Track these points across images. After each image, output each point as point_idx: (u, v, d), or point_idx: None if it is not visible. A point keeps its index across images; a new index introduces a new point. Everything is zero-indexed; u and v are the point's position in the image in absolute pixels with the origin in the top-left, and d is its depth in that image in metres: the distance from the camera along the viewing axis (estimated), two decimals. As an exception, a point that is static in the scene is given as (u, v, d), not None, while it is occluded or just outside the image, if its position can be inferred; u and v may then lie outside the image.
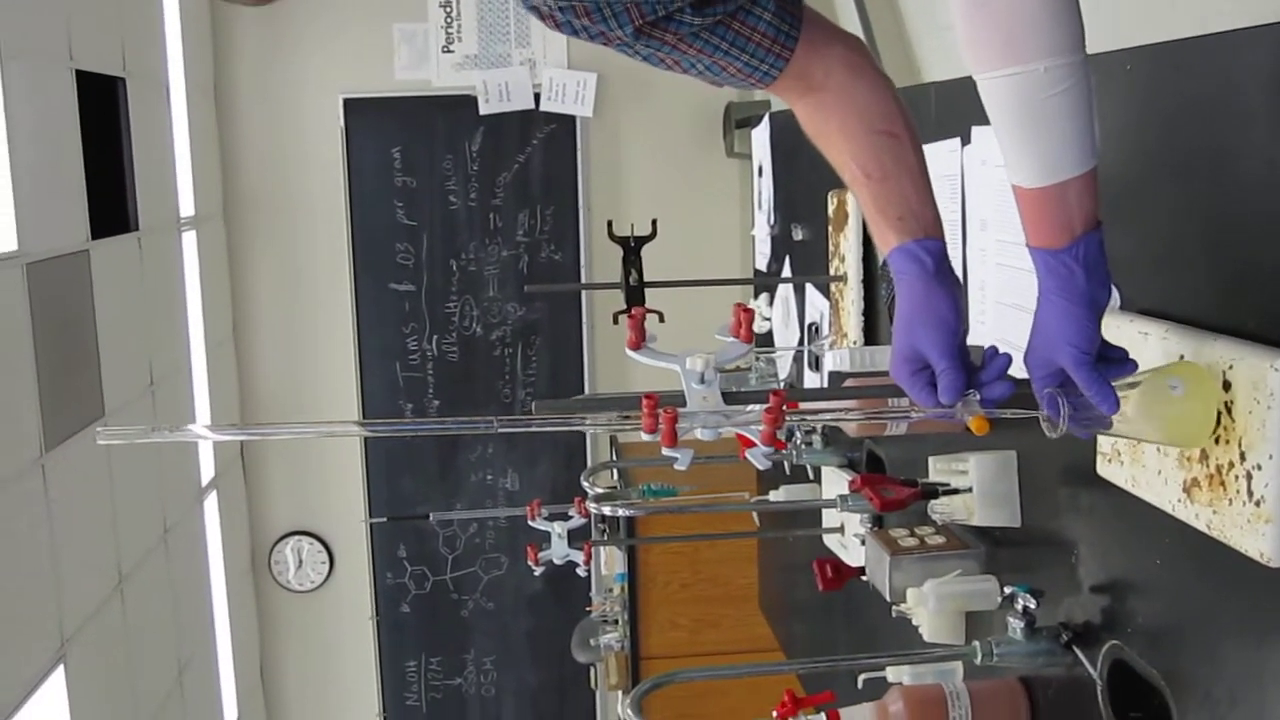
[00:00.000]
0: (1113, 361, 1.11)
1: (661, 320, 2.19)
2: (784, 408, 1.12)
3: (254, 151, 5.57)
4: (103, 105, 4.21)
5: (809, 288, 2.77)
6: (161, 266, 4.70)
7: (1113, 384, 1.09)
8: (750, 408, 1.15)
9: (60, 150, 3.85)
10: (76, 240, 3.89)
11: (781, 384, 2.95)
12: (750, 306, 1.23)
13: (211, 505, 5.24)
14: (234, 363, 5.63)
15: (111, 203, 4.23)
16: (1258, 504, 1.08)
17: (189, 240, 5.04)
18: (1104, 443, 1.34)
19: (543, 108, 5.56)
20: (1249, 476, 1.09)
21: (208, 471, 5.22)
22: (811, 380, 2.76)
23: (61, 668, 3.56)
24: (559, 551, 2.64)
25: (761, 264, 3.32)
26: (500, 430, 1.06)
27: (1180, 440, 1.16)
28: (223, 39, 5.48)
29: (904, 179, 1.21)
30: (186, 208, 5.01)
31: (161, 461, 4.61)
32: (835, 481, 2.41)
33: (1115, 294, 1.33)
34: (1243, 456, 1.10)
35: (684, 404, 1.14)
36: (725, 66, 1.24)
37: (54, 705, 3.52)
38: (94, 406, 3.95)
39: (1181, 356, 1.19)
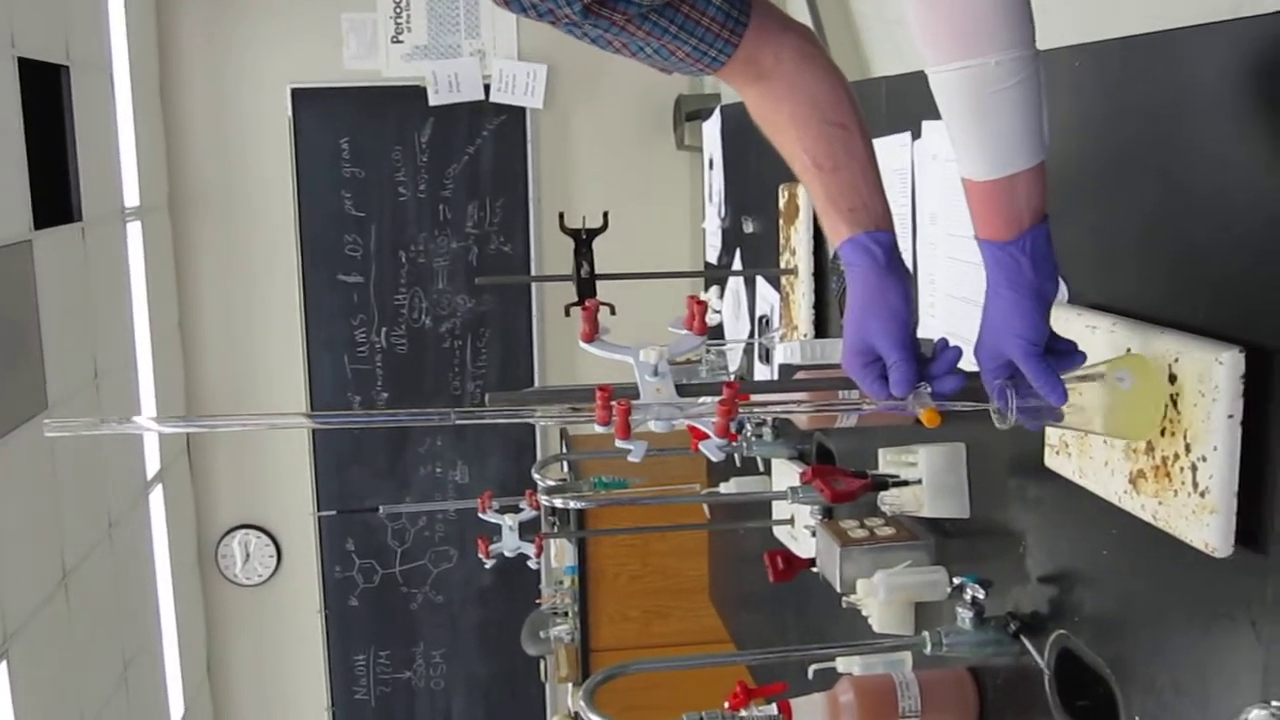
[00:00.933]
0: (1061, 354, 1.12)
1: (613, 313, 2.20)
2: (737, 400, 1.12)
3: (200, 141, 5.51)
4: (45, 94, 4.15)
5: (759, 280, 2.78)
6: (106, 258, 4.65)
7: (1061, 376, 1.10)
8: (703, 400, 1.15)
9: (2, 139, 3.80)
10: (18, 230, 3.84)
11: (731, 377, 2.96)
12: (703, 299, 1.23)
13: (157, 499, 5.18)
14: (180, 355, 5.58)
15: (54, 193, 4.17)
16: (1203, 495, 1.09)
17: (134, 231, 4.98)
18: (1052, 435, 1.36)
19: (492, 99, 5.54)
20: (1194, 468, 1.10)
21: (153, 465, 5.16)
22: (762, 373, 2.77)
23: (4, 664, 3.51)
24: (510, 544, 2.64)
25: (712, 256, 3.32)
26: (457, 422, 1.05)
27: (1127, 432, 1.18)
28: (168, 27, 5.42)
29: (855, 170, 1.21)
30: (131, 198, 4.95)
31: (106, 455, 4.56)
32: (786, 473, 2.43)
33: (1064, 287, 1.34)
34: (1188, 448, 1.11)
35: (637, 396, 1.15)
36: (674, 50, 1.24)
37: (-4, 701, 3.48)
38: (37, 400, 3.90)
39: (1129, 350, 1.20)
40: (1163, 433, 1.15)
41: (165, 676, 5.25)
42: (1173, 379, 1.13)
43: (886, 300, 1.15)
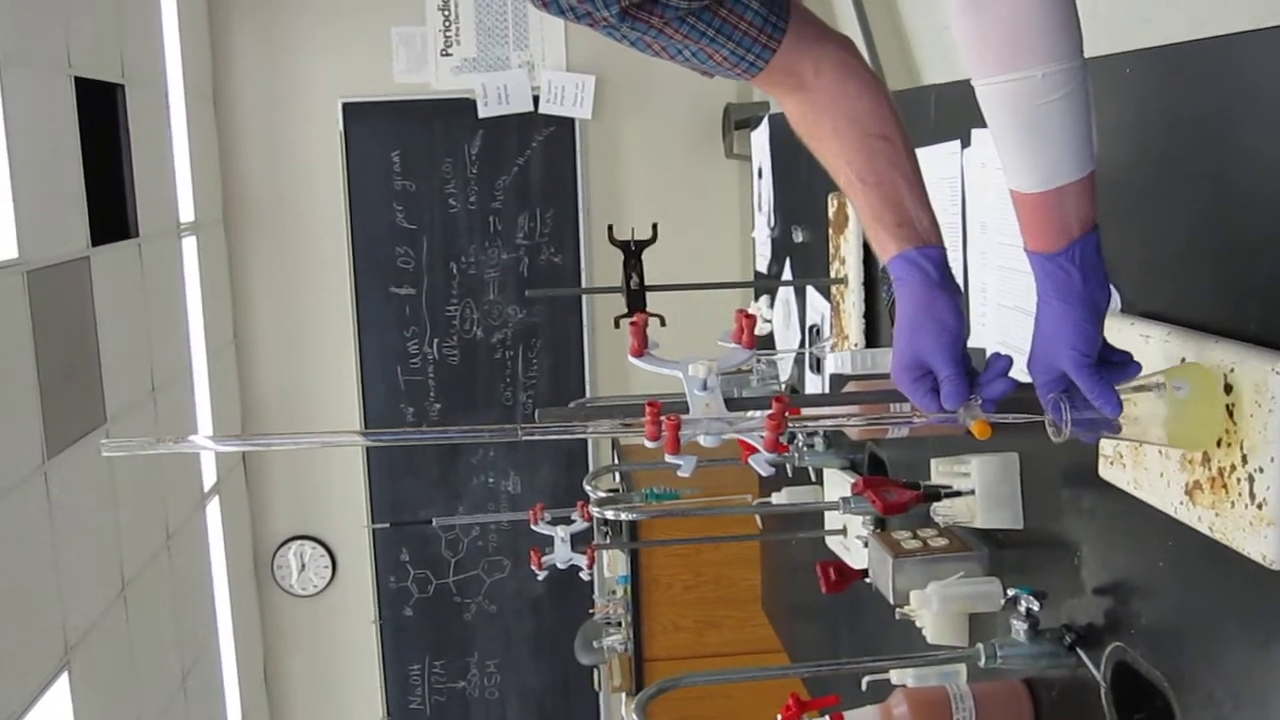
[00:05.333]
0: (1116, 365, 1.11)
1: (663, 324, 2.20)
2: (786, 414, 1.12)
3: (253, 156, 5.57)
4: (102, 112, 4.21)
5: (810, 290, 2.77)
6: (162, 273, 4.70)
7: (1116, 387, 1.09)
8: (753, 414, 1.15)
9: (60, 157, 3.85)
10: (77, 247, 3.89)
11: (782, 386, 2.95)
12: (752, 312, 1.23)
13: (214, 510, 5.24)
14: (235, 368, 5.64)
15: (111, 209, 4.23)
16: (1260, 506, 1.08)
17: (189, 246, 5.04)
18: (1106, 445, 1.35)
19: (541, 110, 5.56)
20: (1251, 479, 1.09)
21: (210, 477, 5.22)
22: (813, 382, 2.76)
23: (66, 675, 3.56)
24: (562, 555, 2.65)
25: (762, 266, 3.32)
26: (524, 439, 1.06)
27: (1186, 442, 1.16)
28: (221, 44, 5.49)
29: (899, 184, 1.21)
30: (186, 213, 5.02)
31: (163, 467, 4.62)
32: (838, 484, 2.42)
33: (1116, 296, 1.33)
34: (1245, 459, 1.10)
35: (686, 410, 1.15)
36: (712, 54, 1.24)
37: (58, 712, 3.52)
38: (96, 413, 3.95)
39: (1183, 359, 1.19)
40: (1219, 443, 1.14)
41: (223, 686, 5.30)
42: (1229, 389, 1.12)
43: (937, 315, 1.14)
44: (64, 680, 3.55)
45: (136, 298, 4.43)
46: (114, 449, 1.00)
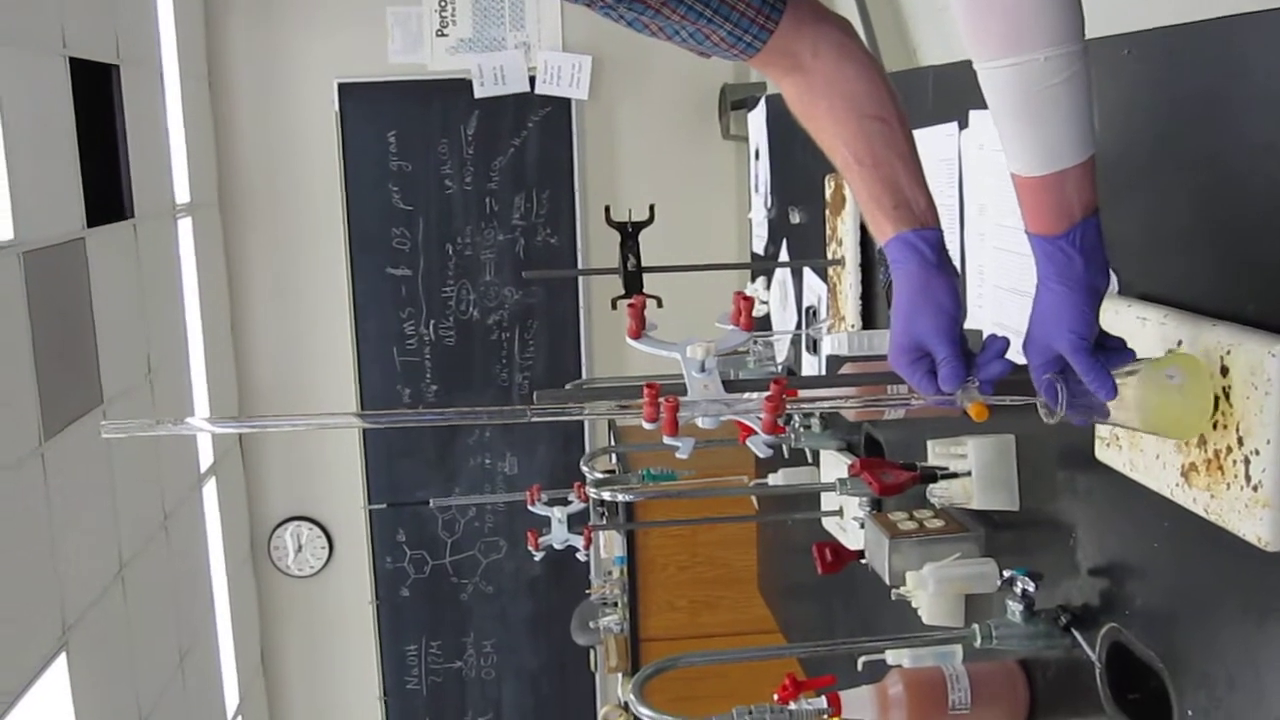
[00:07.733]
0: (1111, 350, 1.12)
1: (660, 305, 2.20)
2: (784, 396, 1.13)
3: (249, 137, 5.56)
4: (97, 93, 4.20)
5: (806, 271, 2.77)
6: (158, 254, 4.70)
7: (1110, 372, 1.09)
8: (751, 396, 1.15)
9: (55, 138, 3.84)
10: (72, 228, 3.88)
11: (779, 368, 2.95)
12: (750, 294, 1.24)
13: (211, 491, 5.24)
14: (231, 349, 5.63)
15: (107, 191, 4.22)
16: (1255, 489, 1.08)
17: (185, 227, 5.04)
18: (1102, 427, 1.35)
19: (538, 91, 5.55)
20: (1247, 461, 1.09)
21: (206, 458, 5.22)
22: (809, 363, 2.76)
23: (64, 655, 3.57)
24: (559, 536, 2.65)
25: (759, 247, 3.32)
26: (534, 420, 1.06)
27: (1175, 431, 1.17)
28: (216, 24, 5.47)
29: (896, 165, 1.21)
30: (182, 194, 5.01)
31: (160, 448, 4.62)
32: (834, 465, 2.42)
33: (1113, 279, 1.33)
34: (1240, 441, 1.10)
35: (684, 392, 1.15)
36: (709, 35, 1.24)
37: (57, 692, 3.53)
38: (92, 395, 3.95)
39: (1180, 342, 1.19)
40: (1215, 426, 1.14)
41: (220, 667, 5.31)
42: (1225, 371, 1.12)
43: (935, 297, 1.14)
44: (62, 661, 3.56)
45: (132, 279, 4.43)
46: (114, 431, 1.00)
